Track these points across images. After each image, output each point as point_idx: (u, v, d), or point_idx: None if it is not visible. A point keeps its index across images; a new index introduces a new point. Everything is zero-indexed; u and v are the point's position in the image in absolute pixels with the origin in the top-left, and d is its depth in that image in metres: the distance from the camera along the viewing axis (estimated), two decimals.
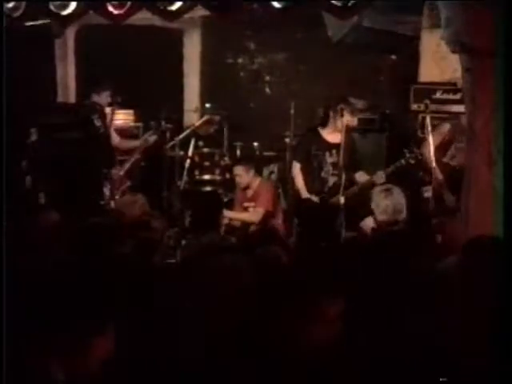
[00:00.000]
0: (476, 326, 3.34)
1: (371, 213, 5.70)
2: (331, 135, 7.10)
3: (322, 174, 7.08)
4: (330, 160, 7.05)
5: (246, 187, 7.51)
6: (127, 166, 7.87)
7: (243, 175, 7.49)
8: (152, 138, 7.94)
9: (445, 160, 7.11)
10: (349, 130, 7.17)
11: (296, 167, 7.23)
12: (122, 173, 7.77)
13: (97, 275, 3.70)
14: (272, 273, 3.55)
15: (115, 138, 7.92)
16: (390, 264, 4.08)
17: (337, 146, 6.96)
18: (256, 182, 7.52)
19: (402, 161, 6.91)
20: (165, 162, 8.01)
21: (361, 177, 7.08)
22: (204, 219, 5.38)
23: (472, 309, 3.49)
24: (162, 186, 8.05)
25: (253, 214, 7.28)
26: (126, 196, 6.23)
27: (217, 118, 8.58)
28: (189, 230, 7.19)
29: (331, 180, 7.05)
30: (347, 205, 6.69)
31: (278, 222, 7.34)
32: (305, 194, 7.10)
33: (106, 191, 7.45)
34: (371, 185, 6.76)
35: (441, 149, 7.13)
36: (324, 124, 7.16)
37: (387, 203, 5.45)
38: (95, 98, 7.64)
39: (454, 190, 6.98)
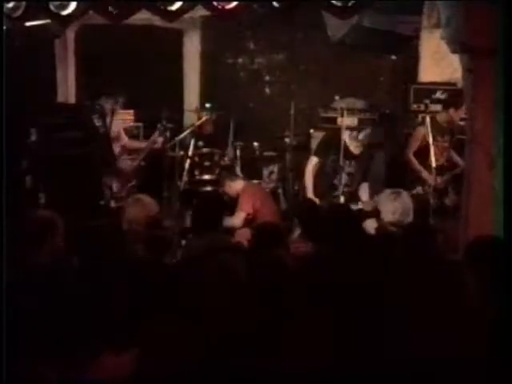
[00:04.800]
0: (476, 326, 3.34)
1: (376, 214, 5.68)
2: (353, 145, 7.06)
3: (335, 181, 7.06)
4: (347, 170, 7.02)
5: (237, 195, 7.49)
6: (135, 164, 7.85)
7: (231, 185, 7.50)
8: (160, 139, 7.93)
9: (429, 163, 7.15)
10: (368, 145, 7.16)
11: (311, 162, 7.19)
12: (128, 171, 7.77)
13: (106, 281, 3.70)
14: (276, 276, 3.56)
15: (123, 138, 7.94)
16: (394, 264, 4.09)
17: (355, 157, 6.95)
18: (241, 186, 7.50)
19: (420, 188, 6.94)
20: (165, 162, 8.00)
21: (364, 190, 7.08)
22: (207, 220, 5.38)
23: (472, 308, 3.49)
24: (162, 186, 8.05)
25: (234, 218, 7.26)
26: (132, 196, 6.23)
27: (212, 116, 8.58)
28: (189, 230, 7.20)
29: (341, 189, 7.00)
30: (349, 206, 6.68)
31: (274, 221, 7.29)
32: (310, 194, 7.07)
33: (115, 188, 7.46)
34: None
35: (421, 153, 7.17)
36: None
37: (396, 205, 5.43)
38: (103, 100, 7.63)
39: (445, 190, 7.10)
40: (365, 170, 7.10)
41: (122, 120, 8.24)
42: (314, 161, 7.17)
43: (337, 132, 7.28)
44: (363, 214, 6.23)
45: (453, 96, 7.57)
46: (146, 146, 7.91)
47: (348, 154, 7.03)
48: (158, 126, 8.00)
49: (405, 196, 5.58)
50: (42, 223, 4.67)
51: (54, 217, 4.75)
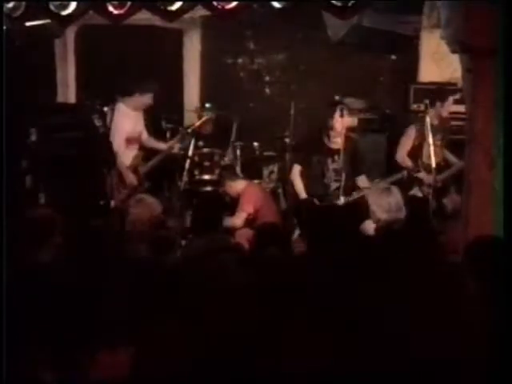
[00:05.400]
0: (476, 326, 3.34)
1: (370, 215, 5.68)
2: (333, 140, 7.05)
3: (325, 180, 7.05)
4: (332, 166, 7.01)
5: (238, 195, 7.49)
6: (148, 167, 7.78)
7: (232, 185, 7.50)
8: (178, 145, 7.90)
9: (424, 160, 7.13)
10: (349, 133, 7.12)
11: (296, 169, 7.19)
12: (141, 173, 7.70)
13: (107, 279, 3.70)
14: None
15: (143, 134, 7.86)
16: (394, 262, 4.09)
17: (339, 151, 6.93)
18: (242, 186, 7.50)
19: (405, 172, 6.92)
20: (165, 162, 7.99)
21: (362, 182, 7.07)
22: (207, 220, 5.39)
23: (473, 308, 3.49)
24: (163, 186, 8.04)
25: (235, 218, 7.26)
26: (134, 197, 6.23)
27: (212, 115, 8.56)
28: (189, 230, 7.20)
29: (333, 185, 7.01)
30: (346, 206, 6.67)
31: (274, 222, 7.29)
32: (303, 195, 7.08)
33: (122, 190, 7.42)
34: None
35: (415, 151, 7.18)
36: (325, 129, 7.11)
37: (389, 201, 5.44)
38: (137, 97, 7.59)
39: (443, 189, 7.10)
40: (354, 162, 7.05)
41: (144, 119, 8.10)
42: (298, 168, 7.16)
43: (315, 136, 7.27)
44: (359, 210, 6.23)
45: (437, 92, 7.57)
46: (164, 150, 7.84)
47: (329, 152, 7.01)
48: (180, 128, 7.99)
49: (395, 191, 5.59)
50: (42, 223, 4.68)
51: (54, 216, 4.76)
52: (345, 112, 6.95)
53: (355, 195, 6.86)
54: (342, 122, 6.91)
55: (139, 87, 7.58)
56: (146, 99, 7.62)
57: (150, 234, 5.07)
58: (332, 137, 7.02)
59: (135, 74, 8.86)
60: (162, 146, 7.91)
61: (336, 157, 6.94)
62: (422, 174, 7.08)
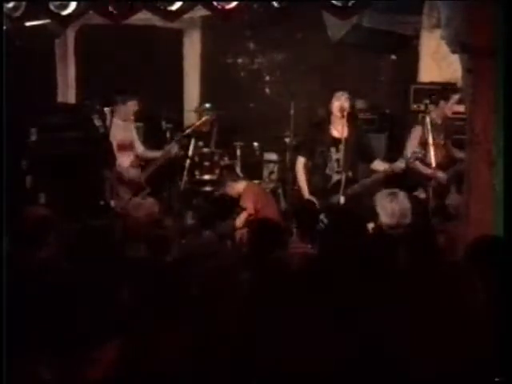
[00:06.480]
0: (477, 325, 3.34)
1: (374, 216, 5.65)
2: (336, 129, 6.98)
3: (327, 171, 6.97)
4: (335, 156, 6.95)
5: (238, 195, 7.48)
6: (148, 172, 7.77)
7: (233, 186, 7.50)
8: (174, 149, 7.88)
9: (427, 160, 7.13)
10: (354, 122, 7.04)
11: (300, 162, 7.15)
12: (142, 179, 7.69)
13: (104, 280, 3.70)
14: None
15: (139, 148, 7.83)
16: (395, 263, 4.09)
17: (341, 141, 6.82)
18: (243, 186, 7.48)
19: (402, 161, 6.88)
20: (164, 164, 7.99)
21: (378, 165, 7.01)
22: (207, 220, 5.39)
23: (473, 308, 3.49)
24: (163, 186, 8.04)
25: (235, 218, 7.26)
26: (134, 199, 6.22)
27: (211, 116, 8.56)
28: (189, 230, 7.20)
29: (335, 177, 6.94)
30: (348, 205, 6.64)
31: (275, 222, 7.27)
32: (306, 194, 7.03)
33: (125, 196, 7.39)
34: (372, 183, 6.76)
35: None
36: (329, 119, 7.07)
37: (394, 207, 5.38)
38: (121, 108, 7.61)
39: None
40: (357, 151, 6.99)
41: (136, 128, 8.07)
42: (301, 160, 7.12)
43: (317, 126, 7.25)
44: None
45: (441, 91, 7.57)
46: (160, 156, 7.82)
47: (333, 141, 6.96)
48: (175, 137, 8.00)
49: (402, 196, 5.54)
50: (41, 223, 4.68)
51: (53, 216, 4.75)
52: (346, 99, 6.89)
53: (356, 188, 6.81)
54: (342, 108, 6.84)
55: (119, 97, 7.59)
56: (130, 107, 7.62)
57: (148, 234, 5.07)
58: (335, 124, 6.94)
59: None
60: (157, 154, 7.89)
61: (340, 146, 6.84)
62: (429, 172, 6.94)
